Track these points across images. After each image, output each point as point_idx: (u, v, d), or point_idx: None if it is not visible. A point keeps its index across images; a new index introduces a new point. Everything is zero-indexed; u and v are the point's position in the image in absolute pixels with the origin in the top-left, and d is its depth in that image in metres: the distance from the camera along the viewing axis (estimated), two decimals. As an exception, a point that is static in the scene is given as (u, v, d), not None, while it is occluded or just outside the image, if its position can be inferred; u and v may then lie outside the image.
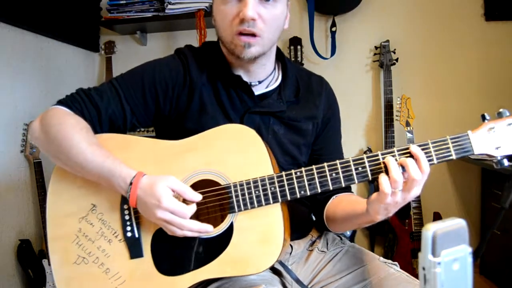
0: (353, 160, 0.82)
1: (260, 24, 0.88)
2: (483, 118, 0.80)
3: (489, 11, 2.21)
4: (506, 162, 0.79)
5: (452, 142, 0.79)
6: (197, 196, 0.84)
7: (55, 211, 0.93)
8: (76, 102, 0.93)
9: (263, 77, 1.01)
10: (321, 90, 1.07)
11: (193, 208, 0.82)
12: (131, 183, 0.83)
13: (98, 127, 0.95)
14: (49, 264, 1.86)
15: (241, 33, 0.88)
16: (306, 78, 1.07)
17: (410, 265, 2.05)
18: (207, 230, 0.83)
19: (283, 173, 0.84)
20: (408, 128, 2.09)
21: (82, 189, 0.92)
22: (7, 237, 1.82)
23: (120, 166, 0.85)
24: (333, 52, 2.32)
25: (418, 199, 2.06)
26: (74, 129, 0.87)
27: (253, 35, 0.88)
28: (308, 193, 0.83)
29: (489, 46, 2.24)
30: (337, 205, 0.98)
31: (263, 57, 0.95)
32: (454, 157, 0.79)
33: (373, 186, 2.24)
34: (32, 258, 1.88)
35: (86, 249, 0.90)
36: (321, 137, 1.07)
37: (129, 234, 0.89)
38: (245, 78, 0.98)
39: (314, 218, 1.14)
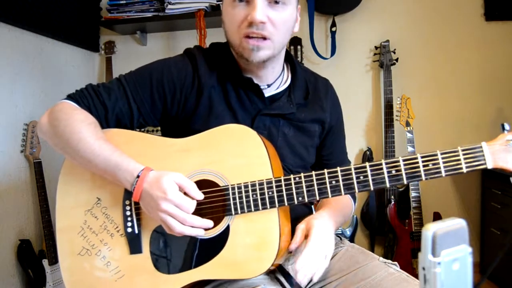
0: (355, 168, 0.79)
1: (270, 27, 0.88)
2: (502, 128, 0.74)
3: (489, 11, 2.22)
4: None
5: (464, 154, 0.73)
6: (200, 195, 0.84)
7: (63, 203, 0.94)
8: (85, 98, 0.94)
9: (272, 80, 1.00)
10: (326, 93, 1.07)
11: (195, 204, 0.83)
12: (138, 176, 0.83)
13: (105, 125, 0.95)
14: (49, 264, 1.87)
15: (249, 36, 0.88)
16: (313, 80, 1.07)
17: (410, 265, 2.05)
18: (208, 226, 0.84)
19: (282, 178, 0.83)
20: (408, 128, 2.09)
21: (89, 182, 0.93)
22: (7, 237, 1.81)
23: (127, 160, 0.85)
24: (333, 52, 2.32)
25: (418, 199, 2.06)
26: (82, 124, 0.88)
27: (264, 38, 0.87)
28: (306, 200, 0.83)
29: (489, 46, 2.24)
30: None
31: (273, 60, 0.94)
32: (464, 170, 0.73)
33: (373, 192, 2.24)
34: (32, 258, 1.88)
35: (90, 241, 0.91)
36: (329, 142, 1.08)
37: (129, 229, 0.89)
38: (255, 81, 0.97)
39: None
